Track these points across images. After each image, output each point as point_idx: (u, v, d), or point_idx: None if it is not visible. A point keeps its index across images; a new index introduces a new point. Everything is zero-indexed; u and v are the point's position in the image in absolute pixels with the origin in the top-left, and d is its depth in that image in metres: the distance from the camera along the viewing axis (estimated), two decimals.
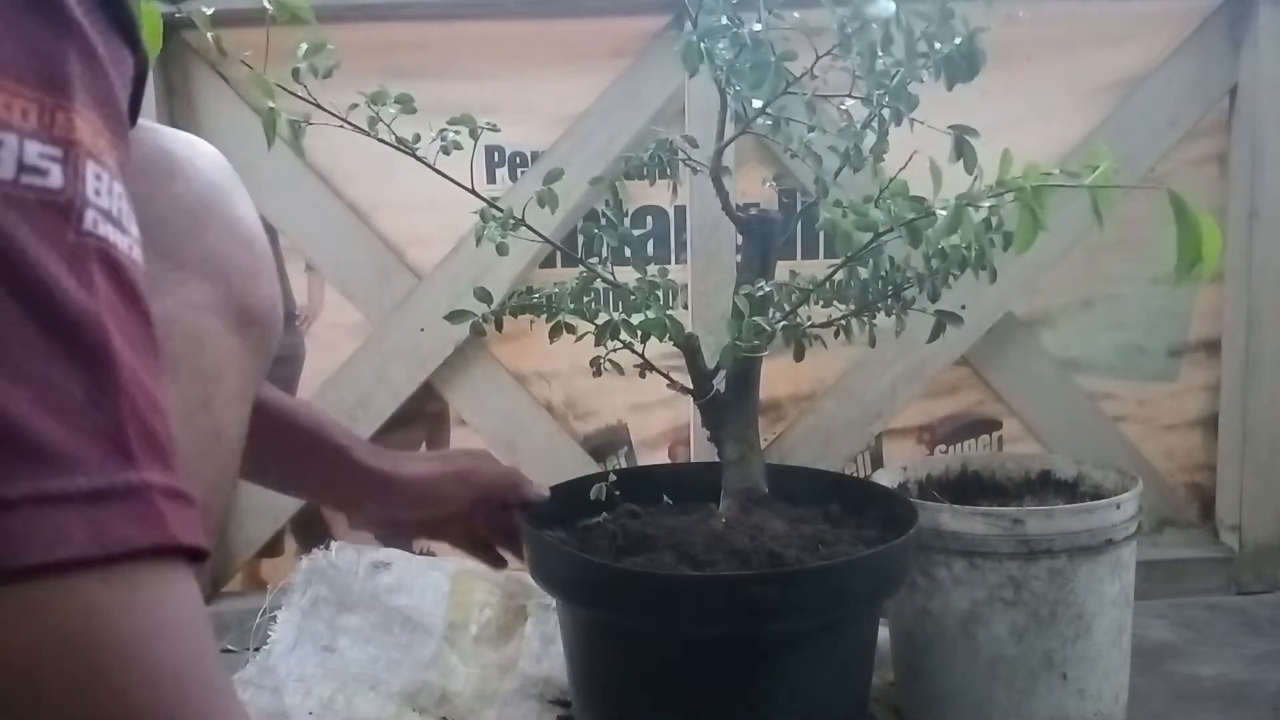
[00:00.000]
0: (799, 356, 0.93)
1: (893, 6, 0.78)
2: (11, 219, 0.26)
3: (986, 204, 0.75)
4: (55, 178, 0.28)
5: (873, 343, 0.97)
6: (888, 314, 0.95)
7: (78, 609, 0.27)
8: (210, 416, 0.52)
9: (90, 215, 0.29)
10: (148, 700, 0.28)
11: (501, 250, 0.96)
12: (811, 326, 0.94)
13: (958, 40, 0.80)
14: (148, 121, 0.57)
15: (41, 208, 0.27)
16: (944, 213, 0.77)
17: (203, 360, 0.52)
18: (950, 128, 0.82)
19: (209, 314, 0.53)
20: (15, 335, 0.26)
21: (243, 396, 0.56)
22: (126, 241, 0.31)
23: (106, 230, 0.30)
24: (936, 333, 0.92)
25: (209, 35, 0.79)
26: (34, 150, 0.27)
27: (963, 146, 0.82)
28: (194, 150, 0.58)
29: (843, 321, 0.97)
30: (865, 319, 0.96)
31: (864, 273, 0.94)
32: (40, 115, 0.28)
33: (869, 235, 0.82)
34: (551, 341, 0.95)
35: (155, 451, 0.30)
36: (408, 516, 0.92)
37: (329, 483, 0.86)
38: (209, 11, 0.79)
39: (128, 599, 0.27)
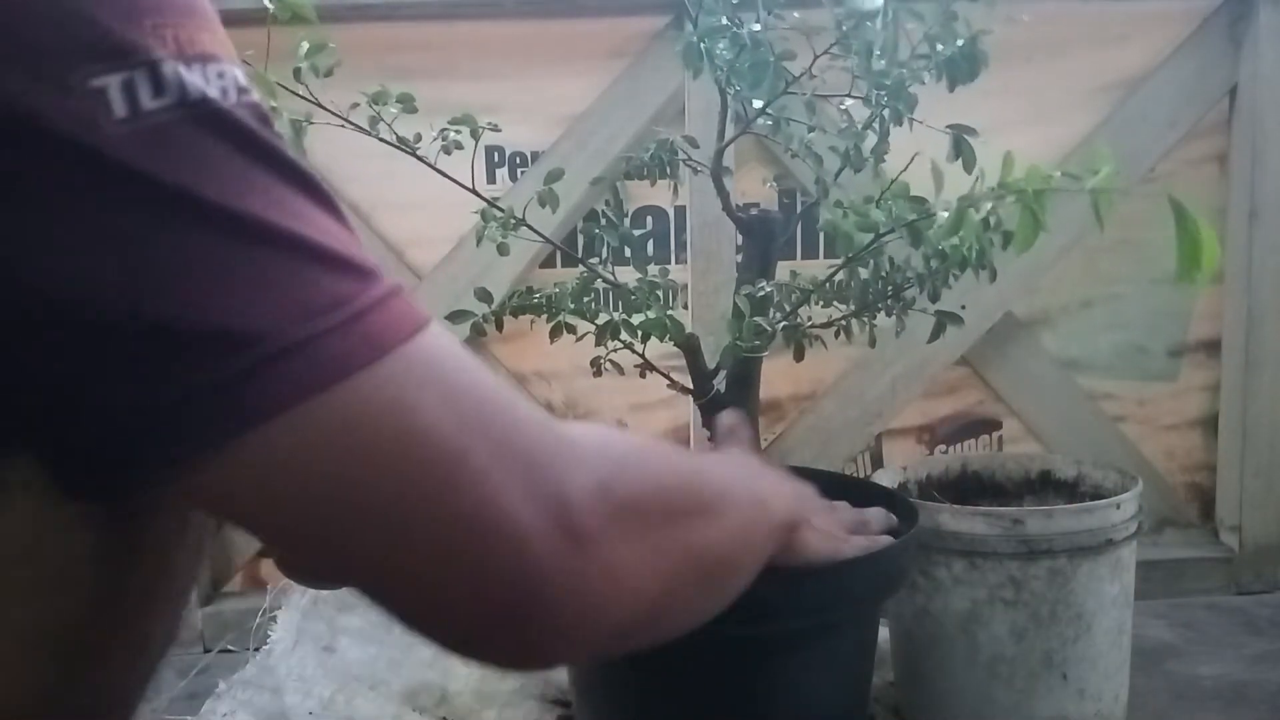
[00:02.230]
0: (799, 357, 0.93)
1: (879, 1, 0.78)
2: (254, 120, 0.34)
3: (987, 206, 0.75)
4: (254, 92, 0.35)
5: (873, 343, 0.97)
6: (888, 314, 0.95)
7: (400, 379, 0.34)
8: None
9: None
10: (478, 425, 0.35)
11: (502, 250, 0.96)
12: (812, 327, 0.94)
13: (959, 42, 0.80)
14: None
15: (257, 113, 0.35)
16: (945, 214, 0.77)
17: None
18: (949, 127, 0.82)
19: None
20: (300, 190, 0.34)
21: None
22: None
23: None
24: (937, 333, 0.92)
25: None
26: (238, 74, 0.35)
27: (961, 145, 0.82)
28: None
29: (843, 322, 0.97)
30: (865, 319, 0.96)
31: (864, 273, 0.94)
32: (225, 44, 0.35)
33: (870, 236, 0.82)
34: (552, 341, 0.95)
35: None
36: None
37: None
38: None
39: (440, 351, 0.35)
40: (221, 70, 0.33)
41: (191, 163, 0.31)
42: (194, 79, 0.32)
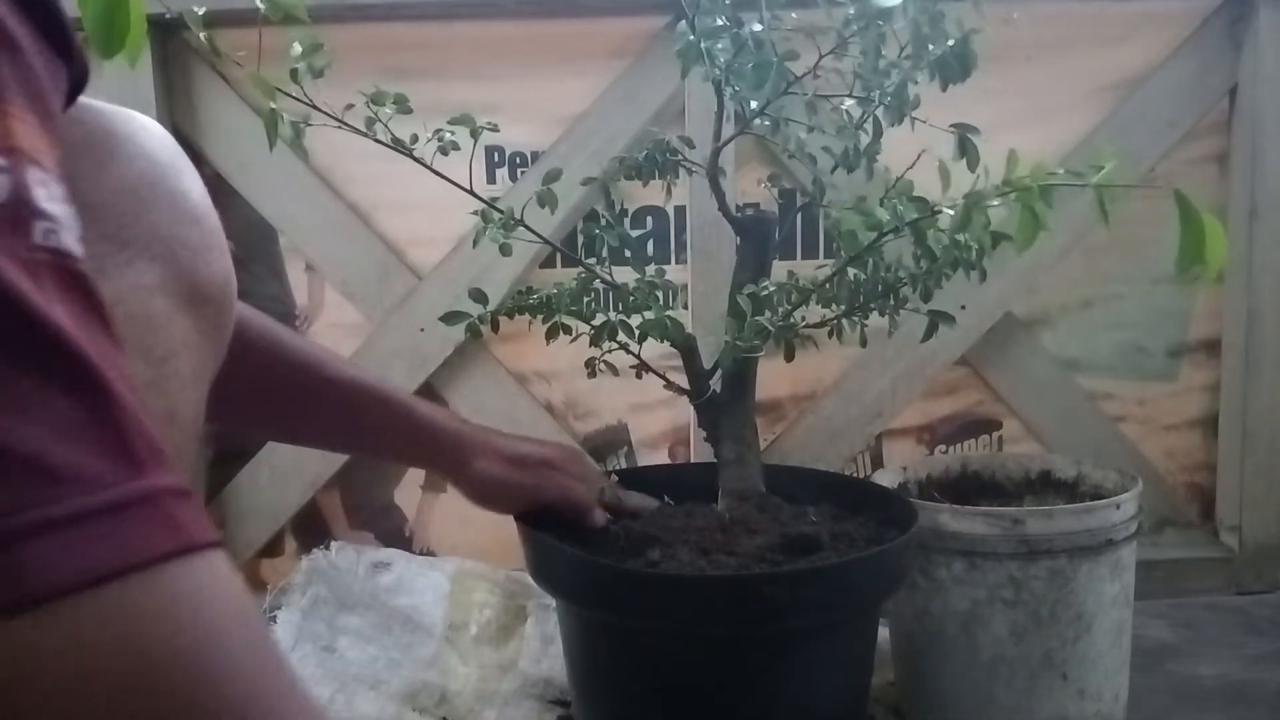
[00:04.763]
0: (789, 357, 0.93)
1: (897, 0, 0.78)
2: None
3: (995, 202, 0.75)
4: (3, 190, 0.26)
5: (863, 343, 0.96)
6: (880, 314, 0.95)
7: (116, 619, 0.26)
8: (164, 399, 0.51)
9: (41, 227, 0.28)
10: (210, 696, 0.27)
11: (505, 251, 0.95)
12: (806, 327, 0.94)
13: (950, 42, 0.80)
14: (89, 100, 0.53)
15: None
16: (950, 211, 0.77)
17: (153, 342, 0.51)
18: (952, 126, 0.82)
19: (158, 295, 0.52)
20: (3, 363, 0.25)
21: (197, 377, 0.55)
22: (78, 248, 0.30)
23: (57, 240, 0.28)
24: (930, 332, 0.92)
25: (201, 35, 0.79)
26: None
27: (966, 145, 0.82)
28: (137, 127, 0.56)
29: (835, 322, 0.96)
30: (857, 319, 0.96)
31: (854, 272, 0.94)
32: None
33: (874, 234, 0.82)
34: (548, 343, 0.95)
35: (157, 455, 0.29)
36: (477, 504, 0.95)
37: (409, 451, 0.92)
38: (200, 11, 0.79)
39: (167, 598, 0.27)
40: None
41: None
42: None
